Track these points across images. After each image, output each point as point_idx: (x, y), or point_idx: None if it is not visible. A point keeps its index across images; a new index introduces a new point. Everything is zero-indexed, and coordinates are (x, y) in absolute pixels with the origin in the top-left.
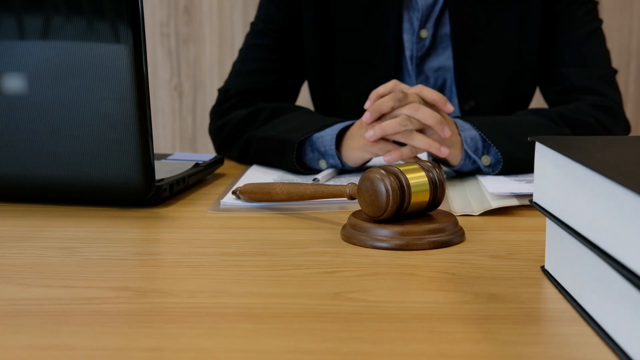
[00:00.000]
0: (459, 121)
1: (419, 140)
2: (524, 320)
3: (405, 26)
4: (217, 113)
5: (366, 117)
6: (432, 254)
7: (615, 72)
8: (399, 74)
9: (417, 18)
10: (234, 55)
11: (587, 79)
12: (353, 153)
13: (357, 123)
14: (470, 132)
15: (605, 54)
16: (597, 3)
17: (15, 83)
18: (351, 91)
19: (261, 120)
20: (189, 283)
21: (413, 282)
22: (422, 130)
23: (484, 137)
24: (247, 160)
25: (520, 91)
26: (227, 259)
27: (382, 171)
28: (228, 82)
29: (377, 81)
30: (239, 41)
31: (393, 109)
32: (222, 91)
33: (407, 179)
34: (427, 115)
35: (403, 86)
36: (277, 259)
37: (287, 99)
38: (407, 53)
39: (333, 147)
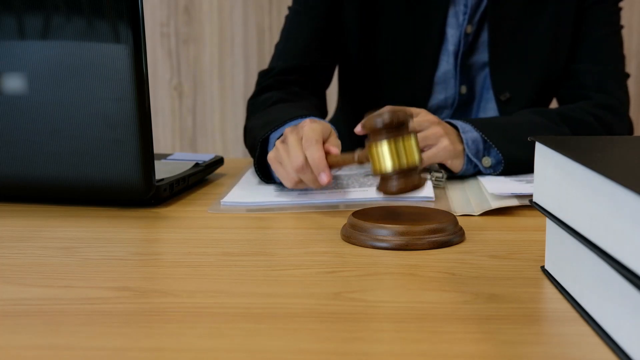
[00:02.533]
0: (460, 123)
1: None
2: (524, 320)
3: (451, 21)
4: (253, 96)
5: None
6: (432, 254)
7: (627, 75)
8: (437, 67)
9: (463, 13)
10: (234, 55)
11: (597, 77)
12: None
13: (293, 139)
14: (472, 133)
15: (621, 57)
16: (621, 9)
17: (15, 83)
18: (389, 83)
19: (264, 107)
20: (189, 283)
21: (413, 282)
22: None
23: (485, 138)
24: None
25: (554, 82)
26: (227, 259)
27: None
28: (272, 63)
29: (416, 74)
30: (239, 41)
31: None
32: (263, 72)
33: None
34: None
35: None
36: (277, 259)
37: (325, 78)
38: (451, 47)
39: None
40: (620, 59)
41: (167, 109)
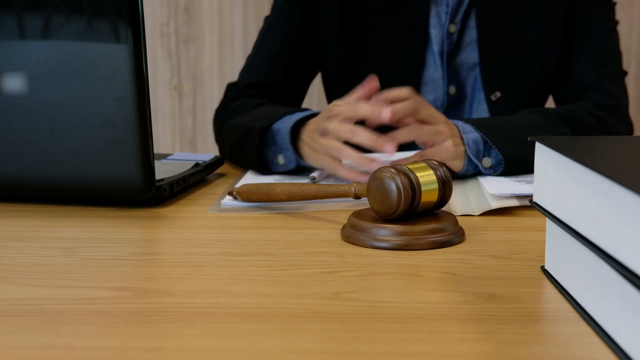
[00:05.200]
0: (460, 123)
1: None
2: (524, 320)
3: (433, 21)
4: (219, 104)
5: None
6: (432, 254)
7: (625, 73)
8: (424, 69)
9: (445, 12)
10: (234, 55)
11: (596, 78)
12: (308, 160)
13: (313, 121)
14: (472, 134)
15: (618, 54)
16: (615, 4)
17: (15, 83)
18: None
19: (246, 109)
20: (189, 283)
21: (413, 282)
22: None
23: (485, 138)
24: (225, 153)
25: (546, 81)
26: (227, 259)
27: (392, 170)
28: (240, 76)
29: (402, 77)
30: (239, 41)
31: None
32: (230, 85)
33: (417, 177)
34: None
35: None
36: (277, 259)
37: (295, 95)
38: (436, 48)
39: (287, 140)
40: (617, 57)
41: (167, 109)
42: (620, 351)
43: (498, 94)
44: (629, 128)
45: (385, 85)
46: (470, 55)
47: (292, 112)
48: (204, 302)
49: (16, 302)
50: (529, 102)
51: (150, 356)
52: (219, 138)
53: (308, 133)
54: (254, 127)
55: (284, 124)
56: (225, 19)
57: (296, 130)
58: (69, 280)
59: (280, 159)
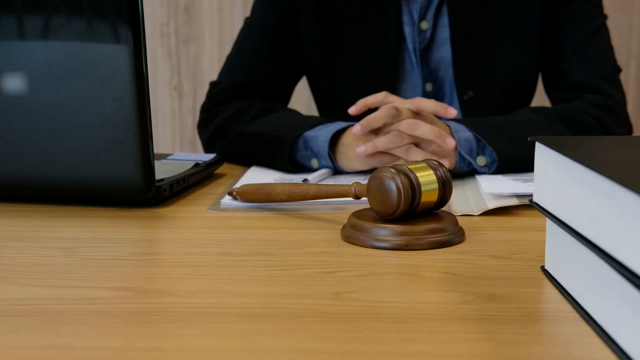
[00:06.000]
0: (452, 123)
1: (418, 156)
2: (524, 320)
3: (405, 19)
4: (207, 105)
5: (356, 129)
6: (432, 254)
7: (619, 70)
8: (401, 67)
9: (416, 10)
10: None
11: (590, 77)
12: (349, 162)
13: (352, 130)
14: (465, 133)
15: (610, 51)
16: None
17: (15, 83)
18: (353, 86)
19: (251, 115)
20: (189, 283)
21: (413, 282)
22: (418, 144)
23: (478, 137)
24: (235, 156)
25: (522, 82)
26: (227, 259)
27: (392, 170)
28: (221, 75)
29: (379, 75)
30: None
31: (385, 125)
32: (213, 84)
33: (417, 177)
34: (427, 131)
35: (393, 98)
36: (277, 259)
37: (280, 95)
38: (410, 45)
39: (326, 148)
40: (609, 54)
41: (167, 109)
42: (620, 351)
43: (471, 93)
44: (627, 129)
45: (362, 82)
46: (447, 53)
47: (322, 122)
48: (204, 302)
49: (16, 302)
50: (503, 103)
51: (150, 356)
52: (225, 141)
53: (351, 139)
54: (283, 137)
55: (320, 132)
56: (225, 19)
57: (333, 139)
58: (69, 280)
59: (315, 163)
